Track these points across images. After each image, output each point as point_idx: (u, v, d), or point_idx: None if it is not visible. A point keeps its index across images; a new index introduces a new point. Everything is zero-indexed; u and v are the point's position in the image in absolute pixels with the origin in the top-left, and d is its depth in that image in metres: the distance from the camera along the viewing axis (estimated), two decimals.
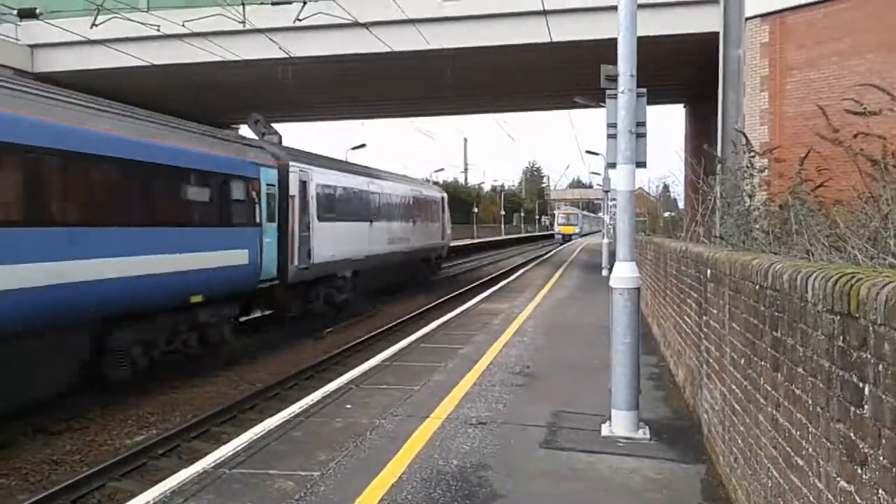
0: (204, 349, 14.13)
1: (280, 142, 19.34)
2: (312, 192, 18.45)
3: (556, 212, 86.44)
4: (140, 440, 10.16)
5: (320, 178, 19.19)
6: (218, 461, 6.10)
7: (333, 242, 19.51)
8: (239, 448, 6.48)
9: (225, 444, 6.93)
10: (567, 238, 73.70)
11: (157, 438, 9.96)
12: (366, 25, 20.21)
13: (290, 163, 17.45)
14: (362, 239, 22.28)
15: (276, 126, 20.57)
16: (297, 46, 21.52)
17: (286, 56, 21.18)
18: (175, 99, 26.53)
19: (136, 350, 11.98)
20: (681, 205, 29.60)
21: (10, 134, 9.22)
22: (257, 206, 15.52)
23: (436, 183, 51.15)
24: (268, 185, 16.07)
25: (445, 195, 34.21)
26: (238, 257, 14.61)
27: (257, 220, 15.49)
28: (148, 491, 5.55)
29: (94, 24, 20.30)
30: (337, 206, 20.26)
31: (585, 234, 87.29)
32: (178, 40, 20.79)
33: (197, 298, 13.19)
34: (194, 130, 14.29)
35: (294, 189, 17.36)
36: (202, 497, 5.29)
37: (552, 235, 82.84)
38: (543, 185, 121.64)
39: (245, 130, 25.17)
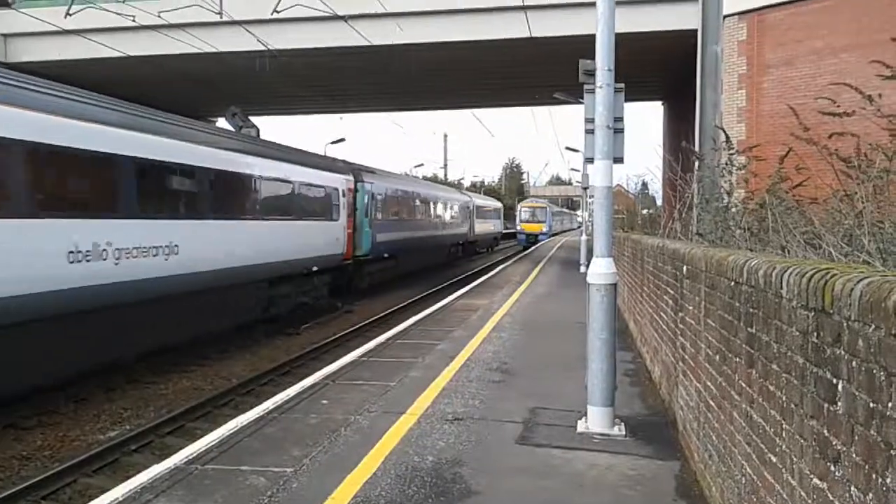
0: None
1: (258, 135, 19.18)
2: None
3: (518, 206, 65.70)
4: (113, 436, 10.04)
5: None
6: (190, 457, 6.02)
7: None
8: (211, 444, 6.40)
9: (198, 440, 6.85)
10: (532, 239, 58.26)
11: (130, 434, 9.85)
12: (345, 18, 20.09)
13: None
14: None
15: (254, 119, 20.40)
16: (274, 39, 21.35)
17: (264, 48, 21.00)
18: (152, 90, 26.23)
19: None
20: (659, 202, 29.76)
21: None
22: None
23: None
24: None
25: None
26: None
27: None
28: (118, 487, 5.47)
29: (68, 14, 20.01)
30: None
31: (556, 234, 73.24)
32: (155, 31, 20.57)
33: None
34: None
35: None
36: (173, 493, 5.21)
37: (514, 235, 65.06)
38: (523, 181, 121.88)
39: (223, 122, 24.94)
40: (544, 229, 61.02)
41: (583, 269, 25.01)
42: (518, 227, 61.53)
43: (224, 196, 15.02)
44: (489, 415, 7.35)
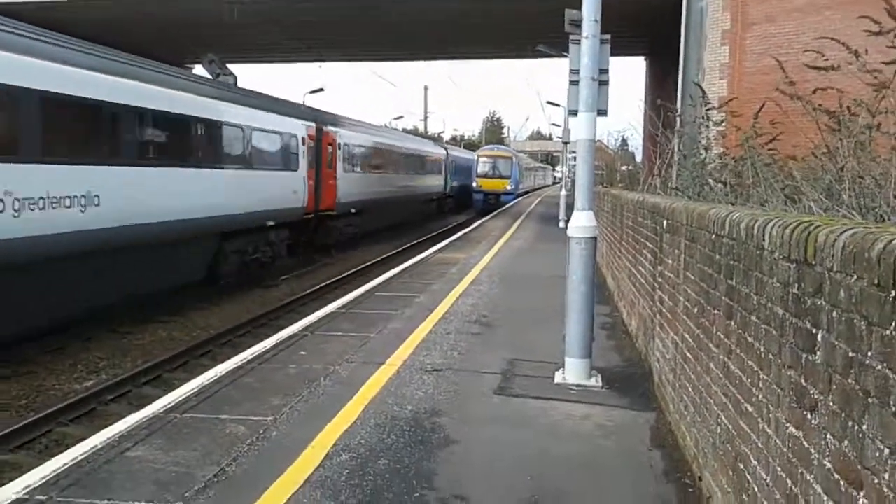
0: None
1: (235, 83, 18.89)
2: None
3: (475, 156, 49.16)
4: (89, 385, 10.01)
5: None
6: (168, 406, 6.01)
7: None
8: (190, 393, 6.39)
9: (176, 389, 6.84)
10: (492, 200, 43.28)
11: (107, 384, 9.83)
12: None
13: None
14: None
15: (232, 67, 20.02)
16: None
17: None
18: (130, 35, 25.59)
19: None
20: (639, 158, 29.76)
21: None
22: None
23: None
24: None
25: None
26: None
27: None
28: (96, 435, 5.45)
29: None
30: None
31: (524, 193, 57.58)
32: None
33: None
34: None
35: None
36: (152, 441, 5.21)
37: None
38: (504, 135, 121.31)
39: (200, 70, 24.49)
40: (509, 186, 45.48)
41: (562, 224, 25.05)
42: (474, 184, 45.20)
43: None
44: (468, 366, 7.40)
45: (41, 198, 10.14)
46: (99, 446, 5.11)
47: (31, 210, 9.93)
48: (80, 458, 4.89)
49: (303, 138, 20.09)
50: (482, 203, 43.34)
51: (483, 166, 45.56)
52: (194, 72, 23.52)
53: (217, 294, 16.14)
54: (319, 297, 15.96)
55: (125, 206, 12.00)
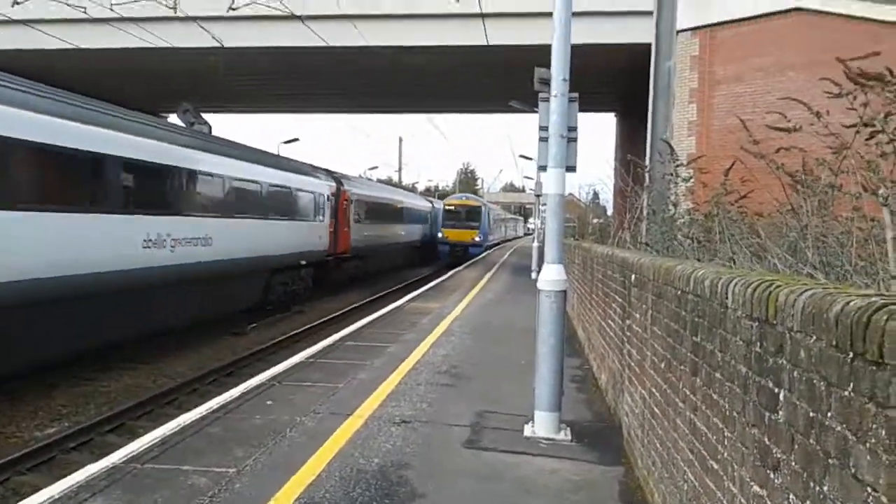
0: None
1: (210, 132, 18.92)
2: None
3: (440, 204, 47.51)
4: (51, 433, 9.78)
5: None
6: (129, 456, 5.90)
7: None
8: (153, 443, 6.28)
9: (139, 438, 6.71)
10: (459, 252, 40.63)
11: (69, 431, 9.61)
12: (301, 18, 19.90)
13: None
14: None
15: (207, 116, 20.09)
16: (229, 36, 21.04)
17: (218, 45, 20.71)
18: (104, 84, 25.64)
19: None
20: (610, 212, 30.08)
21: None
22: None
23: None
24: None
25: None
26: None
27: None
28: (54, 485, 5.33)
29: (15, 3, 19.45)
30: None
31: (495, 245, 55.18)
32: (108, 24, 20.11)
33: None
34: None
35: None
36: (111, 493, 5.09)
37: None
38: (477, 187, 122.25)
39: (174, 118, 24.52)
40: (477, 238, 42.11)
41: (534, 275, 25.16)
42: (439, 234, 42.13)
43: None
44: (437, 418, 7.34)
45: (185, 238, 14.91)
46: (56, 496, 4.99)
47: (180, 247, 14.72)
48: None
49: (327, 195, 25.07)
50: (448, 255, 40.65)
51: (449, 216, 42.51)
52: (169, 120, 23.65)
53: (186, 340, 15.93)
54: (289, 346, 15.81)
55: (225, 246, 16.64)
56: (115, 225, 12.75)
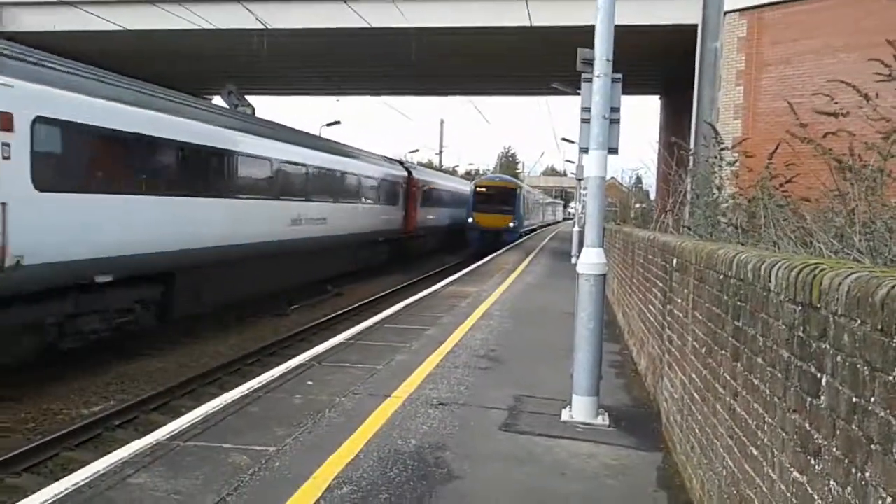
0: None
1: (253, 113, 19.13)
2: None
3: (471, 185, 42.76)
4: (97, 410, 10.01)
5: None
6: (172, 433, 6.00)
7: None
8: (195, 421, 6.38)
9: (182, 416, 6.83)
10: (491, 238, 36.34)
11: (115, 409, 9.83)
12: (345, 0, 19.95)
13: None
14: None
15: (250, 98, 20.28)
16: (273, 18, 21.18)
17: (262, 27, 20.85)
18: (148, 65, 26.01)
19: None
20: (652, 196, 29.73)
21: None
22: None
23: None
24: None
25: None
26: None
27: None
28: (99, 460, 5.45)
29: None
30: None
31: (531, 231, 51.27)
32: (151, 5, 20.37)
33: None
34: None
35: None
36: (153, 469, 5.20)
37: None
38: (518, 170, 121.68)
39: (218, 100, 24.79)
40: (512, 223, 38.58)
41: (573, 259, 24.99)
42: (469, 219, 37.81)
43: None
44: (474, 401, 7.35)
45: (311, 219, 20.14)
46: (101, 472, 5.10)
47: (306, 224, 19.78)
48: (81, 483, 4.87)
49: (401, 183, 30.52)
50: (479, 242, 36.62)
51: (481, 198, 38.28)
52: (213, 102, 23.93)
53: (228, 321, 16.17)
54: (329, 328, 15.96)
55: (336, 224, 22.05)
56: (275, 208, 17.87)
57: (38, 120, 10.06)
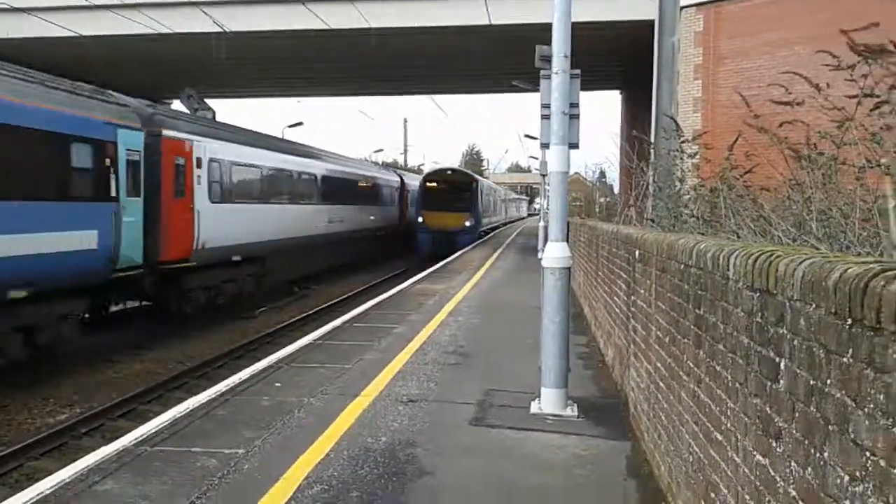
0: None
1: (214, 117, 18.97)
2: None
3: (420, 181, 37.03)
4: (62, 419, 9.88)
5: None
6: (139, 439, 5.94)
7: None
8: (162, 426, 6.32)
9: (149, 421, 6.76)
10: (442, 240, 31.36)
11: (80, 417, 9.72)
12: (302, 1, 19.84)
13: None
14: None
15: (210, 102, 20.10)
16: (233, 20, 20.99)
17: (220, 30, 20.66)
18: (107, 71, 25.63)
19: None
20: (616, 190, 29.97)
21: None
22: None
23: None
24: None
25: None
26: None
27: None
28: (64, 469, 5.38)
29: None
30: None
31: (491, 230, 46.20)
32: (108, 11, 20.06)
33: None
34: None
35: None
36: (120, 475, 5.14)
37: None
38: (483, 168, 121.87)
39: (178, 105, 24.54)
40: (468, 222, 33.85)
41: (540, 254, 25.10)
42: (418, 219, 33.18)
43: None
44: (444, 397, 7.38)
45: (337, 219, 26.61)
46: (67, 480, 5.04)
47: (333, 223, 26.11)
48: (46, 492, 4.82)
49: (397, 187, 38.31)
50: (429, 246, 31.66)
51: (431, 194, 33.38)
52: (172, 107, 23.69)
53: (194, 325, 16.02)
54: (297, 329, 15.89)
55: (351, 222, 28.58)
56: (316, 211, 24.31)
57: (211, 160, 16.49)
